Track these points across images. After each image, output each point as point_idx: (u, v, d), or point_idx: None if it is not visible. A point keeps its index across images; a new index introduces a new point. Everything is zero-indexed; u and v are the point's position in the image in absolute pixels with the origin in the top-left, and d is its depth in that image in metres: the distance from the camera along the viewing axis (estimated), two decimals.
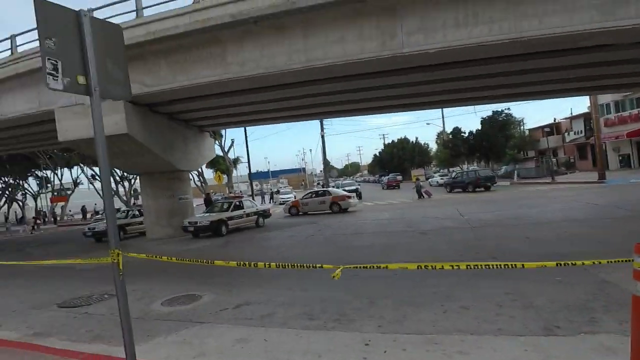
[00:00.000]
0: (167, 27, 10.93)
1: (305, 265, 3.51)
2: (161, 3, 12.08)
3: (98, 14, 12.28)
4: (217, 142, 27.14)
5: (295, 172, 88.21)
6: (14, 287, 8.72)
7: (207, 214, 15.83)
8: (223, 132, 30.90)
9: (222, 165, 29.65)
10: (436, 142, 65.45)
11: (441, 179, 39.01)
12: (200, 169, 29.97)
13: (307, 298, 5.73)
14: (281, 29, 10.18)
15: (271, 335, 4.35)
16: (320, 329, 4.40)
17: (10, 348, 4.45)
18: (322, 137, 28.15)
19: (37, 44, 13.67)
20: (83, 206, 37.14)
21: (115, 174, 33.56)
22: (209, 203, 20.45)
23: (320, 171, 77.89)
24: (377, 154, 77.48)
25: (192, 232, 14.99)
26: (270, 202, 34.43)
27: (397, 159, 64.78)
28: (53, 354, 4.13)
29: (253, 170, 39.88)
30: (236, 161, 34.68)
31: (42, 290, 8.16)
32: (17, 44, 13.92)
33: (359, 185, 34.48)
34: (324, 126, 28.75)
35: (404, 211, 18.28)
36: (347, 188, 30.95)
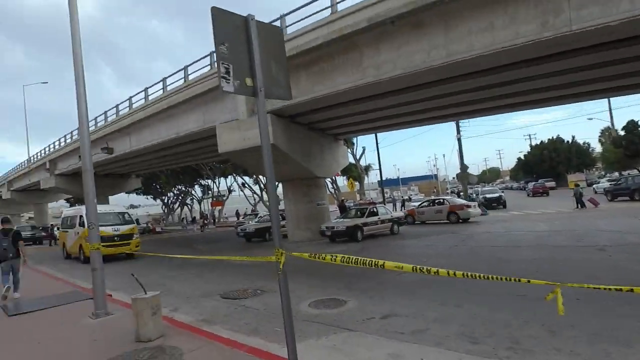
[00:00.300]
0: (307, 40, 11.54)
1: (507, 278, 2.76)
2: (301, 20, 12.88)
3: None
4: (349, 149, 27.81)
5: (426, 179, 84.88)
6: (188, 276, 10.19)
7: (343, 220, 16.13)
8: (354, 140, 31.55)
9: (354, 172, 30.24)
10: (599, 140, 54.58)
11: (610, 184, 32.14)
12: (333, 177, 31.14)
13: (464, 316, 5.06)
14: (418, 25, 9.68)
15: (428, 355, 3.88)
16: (489, 357, 3.73)
17: (186, 331, 5.01)
18: (459, 140, 26.08)
19: (202, 71, 16.22)
20: (237, 210, 42.38)
21: (260, 181, 37.57)
22: (343, 209, 20.92)
23: (453, 177, 72.98)
24: (522, 157, 68.59)
25: (329, 236, 15.44)
26: (401, 210, 33.63)
27: (549, 162, 56.00)
28: (221, 342, 4.47)
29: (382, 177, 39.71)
30: (368, 168, 34.98)
31: (209, 280, 9.31)
32: (188, 74, 16.67)
33: (502, 192, 30.85)
34: (460, 128, 26.64)
35: (565, 222, 15.41)
36: (488, 196, 28.03)
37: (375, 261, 2.87)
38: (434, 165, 73.88)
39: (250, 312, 6.12)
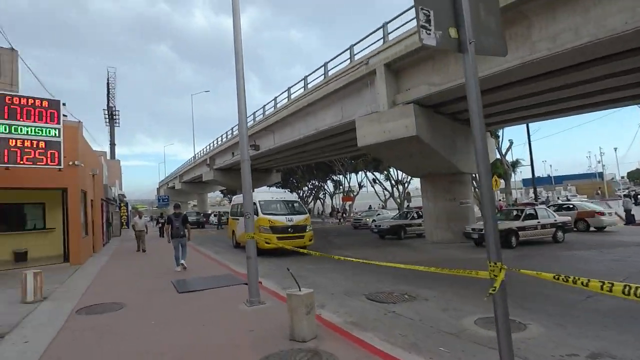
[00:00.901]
0: None
1: None
2: None
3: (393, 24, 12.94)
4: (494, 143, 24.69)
5: (586, 177, 70.96)
6: (324, 270, 10.08)
7: None
8: (500, 132, 27.94)
9: (499, 168, 26.78)
10: None
11: None
12: (473, 173, 28.18)
13: None
14: None
15: None
16: None
17: (338, 334, 4.60)
18: None
19: (341, 67, 16.20)
20: (370, 205, 42.40)
21: (391, 177, 36.69)
22: None
23: (622, 177, 58.96)
24: None
25: (476, 239, 13.71)
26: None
27: None
28: (380, 356, 3.89)
29: (530, 175, 34.36)
30: (516, 164, 30.63)
31: (347, 277, 8.97)
32: (328, 69, 16.85)
33: None
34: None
35: None
36: None
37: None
38: (599, 162, 60.47)
39: (402, 321, 5.42)
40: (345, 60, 15.47)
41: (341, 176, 44.70)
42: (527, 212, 13.99)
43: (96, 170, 16.53)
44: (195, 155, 45.75)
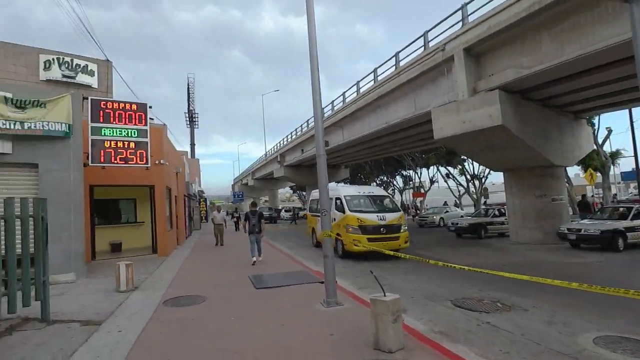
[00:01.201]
0: None
1: None
2: None
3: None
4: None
5: None
6: (396, 271, 9.51)
7: (595, 222, 12.39)
8: (596, 119, 24.63)
9: (595, 160, 23.63)
10: None
11: None
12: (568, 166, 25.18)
13: None
14: None
15: None
16: None
17: (428, 346, 4.14)
18: None
19: (413, 56, 15.35)
20: (445, 201, 40.44)
21: (466, 172, 34.47)
22: (585, 207, 16.46)
23: None
24: None
25: (573, 240, 12.11)
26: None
27: None
28: None
29: (629, 168, 29.94)
30: (615, 155, 26.80)
31: (427, 279, 8.37)
32: (399, 59, 16.10)
33: None
34: None
35: None
36: None
37: None
38: None
39: (501, 335, 4.77)
40: (418, 49, 14.63)
41: (411, 171, 43.15)
42: (637, 210, 12.02)
43: (179, 169, 17.68)
44: (266, 153, 47.44)
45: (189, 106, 52.09)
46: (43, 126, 8.16)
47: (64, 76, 18.46)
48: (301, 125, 31.49)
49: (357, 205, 12.12)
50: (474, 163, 33.16)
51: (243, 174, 68.74)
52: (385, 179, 50.25)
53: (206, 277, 8.65)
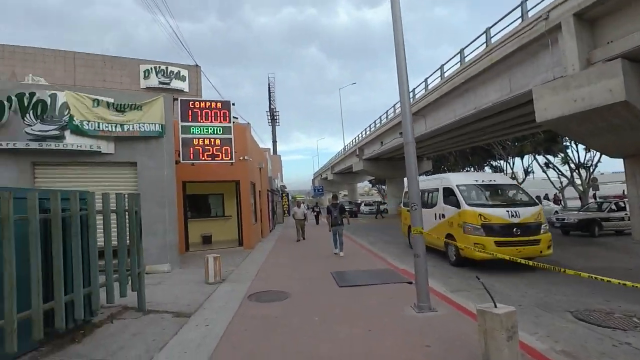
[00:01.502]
0: None
1: None
2: None
3: None
4: None
5: None
6: (502, 272, 8.40)
7: None
8: None
9: None
10: None
11: None
12: None
13: None
14: None
15: None
16: None
17: None
18: None
19: (507, 30, 13.64)
20: (546, 194, 36.24)
21: (570, 160, 30.38)
22: None
23: None
24: None
25: None
26: None
27: None
28: None
29: None
30: None
31: (534, 283, 7.24)
32: (490, 36, 14.47)
33: None
34: None
35: None
36: None
37: None
38: None
39: None
40: (514, 21, 12.93)
41: (502, 161, 39.45)
42: None
43: (262, 164, 18.24)
44: (344, 147, 47.29)
45: (270, 105, 54.17)
46: (140, 127, 8.78)
47: (160, 83, 20.20)
48: (380, 117, 30.59)
49: (477, 197, 9.61)
50: (579, 150, 29.08)
51: (322, 168, 69.73)
52: (472, 170, 46.78)
53: (289, 272, 8.58)
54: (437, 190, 10.50)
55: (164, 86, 19.69)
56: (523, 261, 4.05)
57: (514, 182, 11.30)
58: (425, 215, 10.29)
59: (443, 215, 9.93)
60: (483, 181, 10.06)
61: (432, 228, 10.20)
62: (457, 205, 9.28)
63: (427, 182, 11.65)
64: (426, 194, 11.21)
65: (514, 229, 8.46)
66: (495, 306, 3.36)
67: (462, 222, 8.98)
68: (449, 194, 9.84)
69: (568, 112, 10.39)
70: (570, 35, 10.20)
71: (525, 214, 8.72)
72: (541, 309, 5.66)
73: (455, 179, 10.09)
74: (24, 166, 8.11)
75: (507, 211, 8.68)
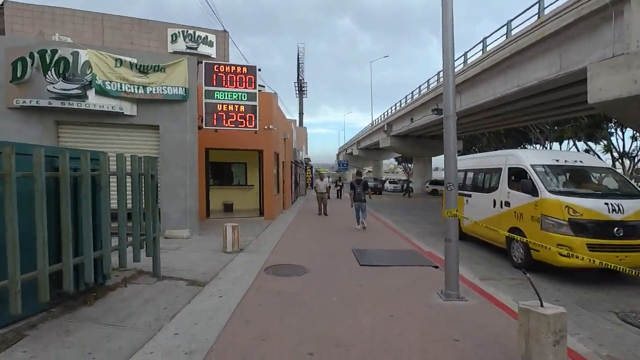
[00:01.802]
0: None
1: None
2: None
3: None
4: None
5: None
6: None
7: None
8: None
9: None
10: None
11: None
12: None
13: None
14: None
15: None
16: None
17: None
18: None
19: (563, 1, 12.35)
20: None
21: (614, 148, 28.48)
22: None
23: None
24: None
25: None
26: None
27: None
28: None
29: None
30: None
31: (562, 277, 6.67)
32: (544, 7, 13.19)
33: None
34: None
35: None
36: None
37: None
38: None
39: None
40: None
41: (538, 145, 37.53)
42: None
43: (287, 135, 17.87)
44: (372, 122, 46.22)
45: (298, 75, 53.12)
46: (162, 90, 8.52)
47: (187, 47, 19.88)
48: (412, 92, 29.38)
49: (561, 183, 7.26)
50: (625, 138, 27.18)
51: (348, 143, 68.83)
52: None
53: (308, 245, 8.35)
54: (498, 170, 8.27)
55: (192, 51, 19.39)
56: (628, 271, 3.22)
57: (606, 164, 8.99)
58: (477, 200, 9.12)
59: (507, 204, 7.66)
60: (566, 161, 7.43)
61: (489, 218, 8.18)
62: (532, 191, 6.88)
63: (482, 159, 9.57)
64: (481, 174, 9.21)
65: (615, 229, 6.07)
66: (542, 305, 2.92)
67: (539, 214, 6.67)
68: (517, 175, 7.55)
69: (627, 94, 9.37)
70: (639, 7, 9.05)
71: (632, 208, 6.28)
72: (581, 306, 5.15)
73: (528, 157, 7.63)
74: (47, 124, 8.07)
75: (606, 204, 6.21)
